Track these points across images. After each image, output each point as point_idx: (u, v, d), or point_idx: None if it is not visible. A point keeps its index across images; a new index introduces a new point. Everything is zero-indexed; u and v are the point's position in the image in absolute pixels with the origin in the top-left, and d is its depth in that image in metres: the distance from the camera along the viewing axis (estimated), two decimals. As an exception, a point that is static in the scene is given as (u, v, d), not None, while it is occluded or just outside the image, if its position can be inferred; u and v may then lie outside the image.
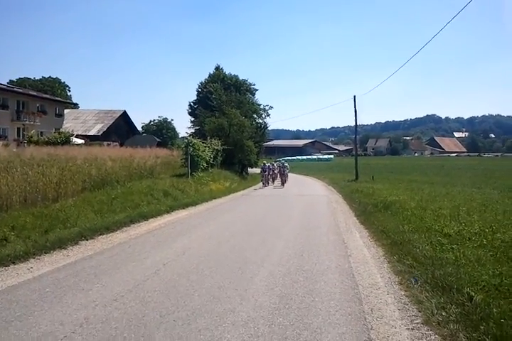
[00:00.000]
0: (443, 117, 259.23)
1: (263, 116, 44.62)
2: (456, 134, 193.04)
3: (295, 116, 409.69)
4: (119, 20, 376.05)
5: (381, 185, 24.71)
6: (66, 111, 51.36)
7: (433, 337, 4.35)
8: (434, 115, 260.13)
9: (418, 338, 4.35)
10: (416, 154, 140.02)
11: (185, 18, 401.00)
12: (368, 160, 69.52)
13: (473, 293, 5.06)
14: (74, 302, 5.23)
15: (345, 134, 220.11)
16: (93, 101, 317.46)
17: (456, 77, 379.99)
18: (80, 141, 40.08)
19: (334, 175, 39.53)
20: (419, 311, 5.05)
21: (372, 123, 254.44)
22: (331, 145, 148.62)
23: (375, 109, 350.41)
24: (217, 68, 45.69)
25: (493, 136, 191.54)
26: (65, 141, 34.38)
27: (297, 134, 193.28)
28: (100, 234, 9.83)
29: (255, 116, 43.48)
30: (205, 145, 27.39)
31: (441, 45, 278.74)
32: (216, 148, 29.89)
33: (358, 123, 36.28)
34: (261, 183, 30.35)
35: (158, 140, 54.53)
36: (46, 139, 34.12)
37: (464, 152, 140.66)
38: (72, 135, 38.03)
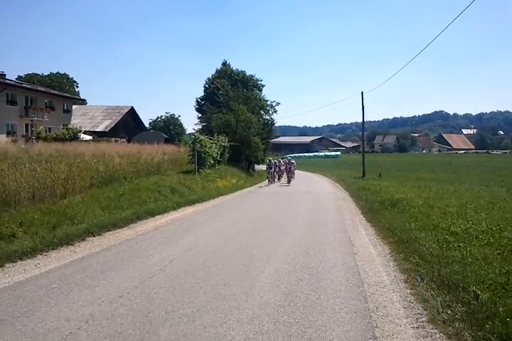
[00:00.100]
0: (451, 114, 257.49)
1: (270, 112, 44.57)
2: (465, 131, 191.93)
3: (302, 112, 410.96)
4: (126, 16, 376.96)
5: (388, 182, 24.63)
6: (74, 107, 51.57)
7: (438, 336, 4.34)
8: (442, 111, 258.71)
9: (423, 336, 4.34)
10: (424, 151, 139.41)
11: (192, 15, 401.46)
12: (375, 157, 69.38)
13: (479, 292, 5.04)
14: (80, 298, 5.27)
15: (352, 131, 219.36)
16: (100, 98, 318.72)
17: (465, 73, 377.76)
18: (88, 137, 40.29)
19: (341, 172, 39.44)
20: (425, 309, 5.03)
21: (380, 119, 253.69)
22: (338, 141, 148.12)
23: (383, 105, 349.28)
24: (225, 64, 45.57)
25: (502, 132, 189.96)
26: (73, 137, 34.58)
27: (304, 131, 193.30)
28: (107, 231, 9.89)
29: (262, 112, 43.38)
30: (212, 141, 27.37)
31: (449, 41, 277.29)
32: (223, 144, 29.86)
33: (365, 120, 36.19)
34: (267, 180, 29.83)
35: (165, 136, 54.58)
36: (54, 135, 34.32)
37: (472, 149, 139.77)
38: (80, 131, 38.22)
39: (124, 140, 46.21)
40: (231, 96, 38.29)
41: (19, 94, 39.12)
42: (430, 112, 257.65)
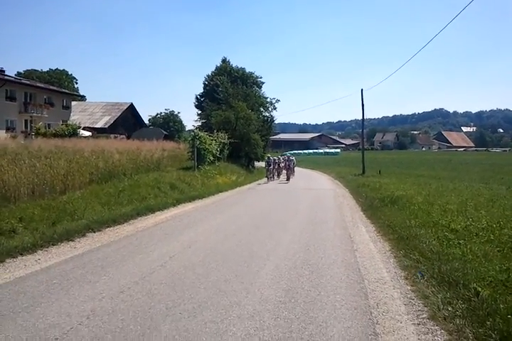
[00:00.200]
0: (451, 111, 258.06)
1: (270, 109, 44.40)
2: (464, 129, 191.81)
3: (302, 109, 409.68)
4: (126, 13, 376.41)
5: (388, 179, 24.64)
6: (73, 103, 51.48)
7: (439, 332, 4.34)
8: (442, 109, 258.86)
9: (424, 333, 4.34)
10: (423, 148, 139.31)
11: (192, 12, 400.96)
12: (375, 155, 69.44)
13: (479, 289, 5.04)
14: (81, 294, 5.26)
15: (352, 128, 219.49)
16: (100, 94, 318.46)
17: (465, 71, 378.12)
18: (87, 134, 40.19)
19: (341, 169, 39.45)
20: (425, 306, 5.04)
21: (380, 117, 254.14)
22: (337, 139, 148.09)
23: (383, 102, 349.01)
24: (224, 60, 45.51)
25: (502, 130, 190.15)
26: (73, 133, 34.55)
27: (304, 128, 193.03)
28: (107, 227, 9.88)
29: (262, 109, 43.23)
30: (211, 138, 27.31)
31: (449, 40, 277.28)
32: (223, 141, 29.79)
33: (365, 117, 36.16)
34: (265, 178, 29.34)
35: (165, 133, 54.49)
36: (54, 131, 34.29)
37: (471, 147, 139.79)
38: (80, 127, 38.20)
39: (124, 136, 46.13)
40: (231, 93, 38.20)
41: (18, 90, 39.07)
42: (430, 110, 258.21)
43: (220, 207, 14.66)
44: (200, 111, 42.94)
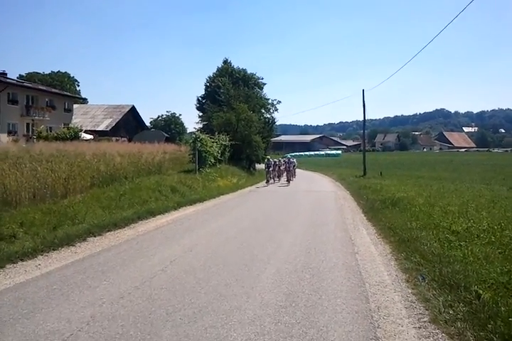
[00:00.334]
0: (452, 112, 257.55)
1: (271, 110, 44.35)
2: (466, 129, 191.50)
3: (303, 110, 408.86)
4: (127, 15, 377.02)
5: (389, 181, 24.63)
6: (75, 106, 51.56)
7: (440, 336, 4.33)
8: (444, 109, 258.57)
9: (425, 337, 4.33)
10: (425, 149, 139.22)
11: (193, 14, 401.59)
12: (376, 156, 69.45)
13: (481, 291, 5.03)
14: (81, 299, 5.26)
15: (353, 129, 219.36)
16: (101, 97, 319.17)
17: (466, 71, 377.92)
18: (89, 137, 40.24)
19: (342, 171, 39.43)
20: (427, 309, 5.03)
21: (381, 117, 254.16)
22: (339, 140, 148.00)
23: (384, 103, 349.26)
24: (226, 62, 45.38)
25: (503, 130, 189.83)
26: (74, 136, 34.56)
27: (305, 129, 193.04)
28: (108, 231, 9.87)
29: (263, 110, 43.16)
30: (212, 140, 27.25)
31: (450, 39, 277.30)
32: (224, 143, 29.70)
33: (366, 118, 36.14)
34: (265, 181, 28.68)
35: (166, 135, 54.50)
36: (55, 134, 34.33)
37: (473, 147, 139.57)
38: (81, 130, 38.19)
39: (125, 139, 46.23)
40: (232, 95, 38.17)
41: (20, 93, 39.12)
42: (431, 110, 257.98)
43: (221, 210, 14.65)
44: (201, 113, 42.85)
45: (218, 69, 44.47)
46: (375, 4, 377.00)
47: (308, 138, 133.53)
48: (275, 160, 30.63)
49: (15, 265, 6.90)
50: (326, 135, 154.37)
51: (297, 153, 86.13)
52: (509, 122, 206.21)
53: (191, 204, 15.25)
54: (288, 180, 28.88)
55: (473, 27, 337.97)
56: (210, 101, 39.77)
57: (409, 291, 5.73)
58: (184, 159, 26.46)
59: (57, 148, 21.53)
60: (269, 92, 61.62)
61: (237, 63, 57.22)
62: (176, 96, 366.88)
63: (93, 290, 5.61)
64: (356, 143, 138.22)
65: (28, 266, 6.92)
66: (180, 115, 71.60)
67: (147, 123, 66.40)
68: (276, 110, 44.64)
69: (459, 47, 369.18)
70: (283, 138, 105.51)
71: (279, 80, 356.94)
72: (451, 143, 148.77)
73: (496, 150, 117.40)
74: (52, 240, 8.22)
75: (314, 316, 4.77)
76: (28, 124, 39.61)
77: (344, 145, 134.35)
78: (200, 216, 12.92)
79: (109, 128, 52.05)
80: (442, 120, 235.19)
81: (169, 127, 66.97)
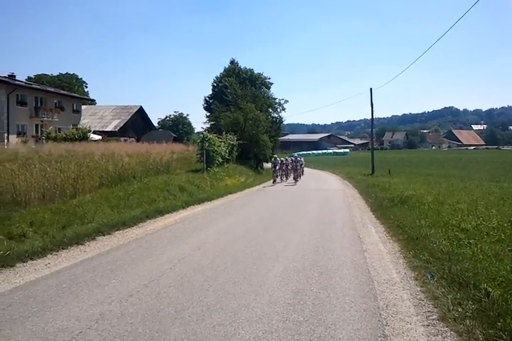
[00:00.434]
0: (461, 109, 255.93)
1: (278, 110, 44.31)
2: (475, 127, 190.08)
3: (310, 110, 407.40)
4: (134, 17, 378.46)
5: (398, 179, 24.49)
6: (83, 107, 51.90)
7: (449, 334, 4.31)
8: (452, 107, 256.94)
9: (433, 334, 4.31)
10: (433, 147, 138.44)
11: (200, 14, 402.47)
12: (385, 154, 69.17)
13: (490, 289, 5.00)
14: (90, 297, 5.29)
15: (361, 128, 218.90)
16: (109, 98, 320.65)
17: (475, 68, 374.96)
18: (97, 137, 40.50)
19: (350, 170, 39.29)
20: (435, 307, 5.00)
21: (389, 116, 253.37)
22: (346, 139, 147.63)
23: (392, 101, 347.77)
24: (233, 62, 45.42)
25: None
26: (83, 137, 34.80)
27: (313, 128, 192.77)
28: (117, 230, 9.93)
29: (270, 110, 43.12)
30: (220, 140, 27.29)
31: (459, 37, 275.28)
32: (231, 142, 29.73)
33: (374, 117, 35.98)
34: (272, 180, 28.28)
35: (174, 135, 54.70)
36: (64, 135, 34.56)
37: (482, 145, 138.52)
38: (90, 131, 38.46)
39: (133, 139, 46.43)
40: (239, 95, 38.18)
41: (29, 95, 39.45)
42: (440, 108, 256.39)
43: (229, 209, 14.67)
44: (208, 113, 42.93)
45: (225, 70, 44.50)
46: (382, 4, 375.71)
47: (316, 136, 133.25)
48: (282, 159, 30.24)
49: (25, 264, 6.96)
50: (334, 134, 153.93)
51: (305, 152, 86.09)
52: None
53: (199, 204, 15.28)
54: (295, 179, 28.67)
55: (480, 23, 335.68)
56: (218, 101, 39.82)
57: (418, 289, 5.71)
58: (192, 159, 26.51)
59: (66, 148, 21.70)
60: (276, 92, 62.01)
61: (244, 63, 57.48)
62: (183, 96, 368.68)
63: (102, 289, 5.64)
64: (364, 141, 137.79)
65: (37, 264, 6.97)
66: (187, 115, 72.02)
67: (155, 124, 66.79)
68: (284, 109, 44.62)
69: (467, 45, 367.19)
70: (291, 137, 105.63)
71: (286, 80, 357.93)
72: (460, 141, 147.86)
73: (505, 147, 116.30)
74: (61, 239, 8.29)
75: (322, 314, 4.77)
76: (36, 125, 39.94)
77: (352, 143, 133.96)
78: (208, 215, 12.94)
79: (118, 128, 52.32)
80: (451, 118, 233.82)
81: (177, 127, 67.27)
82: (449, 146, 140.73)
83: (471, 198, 13.33)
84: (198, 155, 25.40)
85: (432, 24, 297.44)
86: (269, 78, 45.75)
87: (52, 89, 45.75)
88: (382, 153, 73.53)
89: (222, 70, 44.82)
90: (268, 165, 38.12)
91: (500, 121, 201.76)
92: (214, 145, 25.61)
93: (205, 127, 39.57)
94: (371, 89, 33.77)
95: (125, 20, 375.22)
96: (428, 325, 4.53)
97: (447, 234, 8.11)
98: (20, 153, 17.82)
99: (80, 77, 74.60)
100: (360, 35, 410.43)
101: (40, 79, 64.66)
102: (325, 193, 20.74)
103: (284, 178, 30.05)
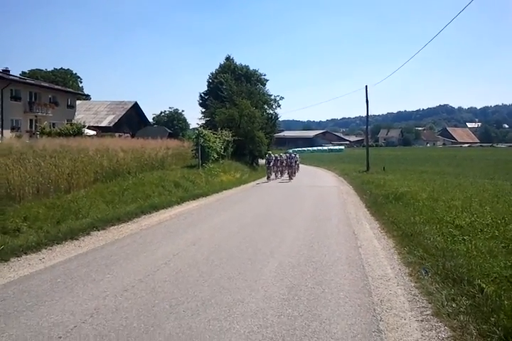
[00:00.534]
0: (456, 107, 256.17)
1: (274, 106, 44.32)
2: (469, 124, 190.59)
3: (305, 106, 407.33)
4: (130, 12, 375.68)
5: (392, 176, 24.59)
6: (78, 102, 51.59)
7: (442, 329, 4.33)
8: (447, 105, 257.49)
9: (427, 330, 4.33)
10: (428, 145, 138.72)
11: (196, 10, 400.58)
12: (379, 151, 69.32)
13: (484, 285, 5.03)
14: (85, 292, 5.28)
15: (356, 125, 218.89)
16: (104, 93, 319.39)
17: (470, 66, 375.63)
18: (92, 132, 40.29)
19: (345, 166, 39.37)
20: (429, 302, 5.03)
21: (384, 113, 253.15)
22: (341, 136, 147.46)
23: (387, 99, 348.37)
24: (228, 58, 45.29)
25: (507, 126, 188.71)
26: (77, 132, 34.59)
27: (308, 125, 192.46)
28: (112, 225, 9.91)
29: (266, 106, 43.14)
30: (215, 136, 27.28)
31: (453, 35, 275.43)
32: (227, 139, 29.73)
33: (369, 114, 36.05)
34: (266, 176, 27.73)
35: (169, 131, 54.49)
36: (58, 130, 34.34)
37: (476, 142, 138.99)
38: (84, 126, 38.23)
39: (128, 135, 46.19)
40: (234, 91, 38.15)
41: (23, 90, 39.18)
42: (435, 106, 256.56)
43: (224, 205, 14.67)
44: (204, 109, 42.83)
45: (221, 66, 44.37)
46: (377, 2, 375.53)
47: (311, 133, 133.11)
48: (276, 155, 29.93)
49: (19, 258, 6.94)
50: (329, 130, 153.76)
51: (300, 149, 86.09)
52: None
53: (194, 199, 15.27)
54: (290, 176, 28.39)
55: (475, 22, 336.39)
56: (213, 97, 39.77)
57: (412, 285, 5.73)
58: (187, 154, 26.48)
59: (61, 143, 21.53)
60: (271, 89, 61.98)
61: (239, 60, 57.10)
62: (178, 92, 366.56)
63: (97, 283, 5.64)
64: (359, 138, 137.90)
65: (32, 259, 6.96)
66: (183, 111, 71.59)
67: (150, 120, 66.46)
68: (279, 106, 44.65)
69: (462, 43, 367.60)
70: (286, 133, 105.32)
71: (282, 77, 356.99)
72: (454, 139, 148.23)
73: (499, 145, 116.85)
74: (56, 234, 8.27)
75: (317, 309, 4.78)
76: (31, 120, 39.69)
77: (347, 140, 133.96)
78: (203, 211, 12.94)
79: (112, 124, 52.06)
80: (446, 115, 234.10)
81: (172, 123, 66.95)
82: (443, 144, 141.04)
83: (466, 195, 13.39)
84: (193, 151, 25.39)
85: (431, 23, 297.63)
86: (265, 75, 45.68)
87: (47, 84, 45.45)
88: (377, 150, 73.67)
89: (217, 66, 44.73)
90: (263, 162, 37.97)
91: (494, 119, 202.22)
92: (209, 141, 25.57)
93: (200, 123, 39.50)
94: (366, 86, 33.83)
95: (122, 16, 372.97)
96: (422, 320, 4.55)
97: (441, 231, 8.15)
98: (14, 148, 17.68)
99: (74, 73, 74.08)
100: (358, 34, 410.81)
101: (34, 74, 64.10)
102: (320, 190, 20.78)
103: (279, 175, 29.79)
